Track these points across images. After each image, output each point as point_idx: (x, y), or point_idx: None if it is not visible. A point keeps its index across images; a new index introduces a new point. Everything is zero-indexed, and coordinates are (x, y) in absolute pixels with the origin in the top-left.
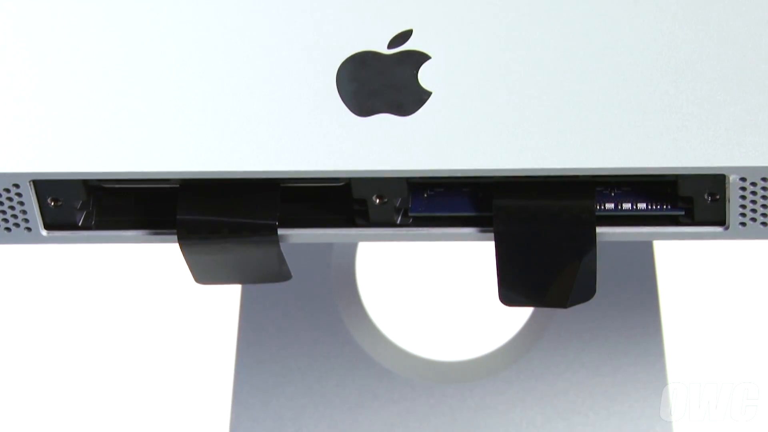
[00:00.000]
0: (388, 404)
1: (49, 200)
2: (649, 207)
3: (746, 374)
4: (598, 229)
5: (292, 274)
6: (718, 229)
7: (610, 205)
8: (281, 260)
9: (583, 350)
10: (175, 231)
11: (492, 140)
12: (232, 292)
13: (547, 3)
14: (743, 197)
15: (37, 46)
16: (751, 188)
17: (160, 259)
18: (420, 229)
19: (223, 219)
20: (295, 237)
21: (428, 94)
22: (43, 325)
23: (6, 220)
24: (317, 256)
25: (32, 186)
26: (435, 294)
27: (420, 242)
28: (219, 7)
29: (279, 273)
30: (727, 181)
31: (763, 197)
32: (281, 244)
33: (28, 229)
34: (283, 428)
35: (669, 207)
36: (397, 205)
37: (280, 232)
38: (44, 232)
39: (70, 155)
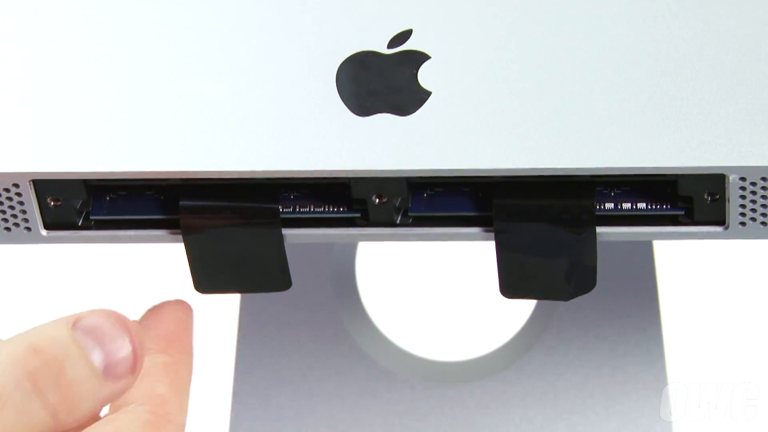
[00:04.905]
0: (388, 404)
1: (49, 200)
2: (649, 207)
3: (746, 374)
4: (598, 229)
5: (292, 274)
6: (718, 228)
7: (610, 205)
8: (283, 258)
9: (583, 350)
10: (174, 231)
11: (492, 140)
12: None
13: (547, 3)
14: (743, 197)
15: (37, 46)
16: (751, 188)
17: (160, 259)
18: (420, 228)
19: (225, 203)
20: (295, 237)
21: (428, 94)
22: None
23: (6, 220)
24: (317, 256)
25: (32, 186)
26: (435, 294)
27: (420, 242)
28: (219, 7)
29: (281, 274)
30: (726, 180)
31: (763, 197)
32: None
33: (28, 229)
34: (283, 428)
35: (669, 207)
36: (397, 204)
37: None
38: (44, 232)
39: (69, 155)
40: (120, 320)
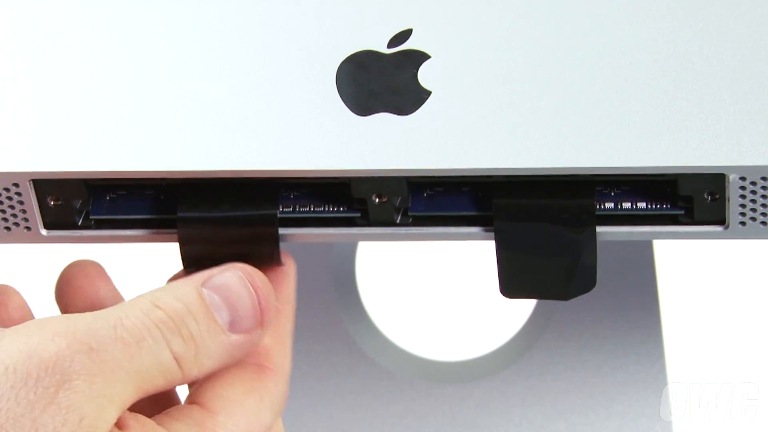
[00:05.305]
0: (388, 404)
1: (49, 200)
2: (649, 206)
3: (746, 374)
4: (598, 229)
5: None
6: (718, 228)
7: (610, 205)
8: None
9: (583, 350)
10: (174, 231)
11: (492, 140)
12: None
13: (547, 3)
14: (743, 196)
15: (37, 47)
16: (751, 187)
17: (160, 258)
18: (420, 228)
19: (223, 213)
20: (295, 237)
21: (428, 93)
22: None
23: (6, 220)
24: (317, 256)
25: (32, 186)
26: (435, 294)
27: (420, 242)
28: (219, 8)
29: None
30: (726, 180)
31: (763, 197)
32: (282, 244)
33: (28, 228)
34: (283, 428)
35: (669, 206)
36: (397, 204)
37: (281, 231)
38: (44, 232)
39: (69, 155)
40: (248, 276)
